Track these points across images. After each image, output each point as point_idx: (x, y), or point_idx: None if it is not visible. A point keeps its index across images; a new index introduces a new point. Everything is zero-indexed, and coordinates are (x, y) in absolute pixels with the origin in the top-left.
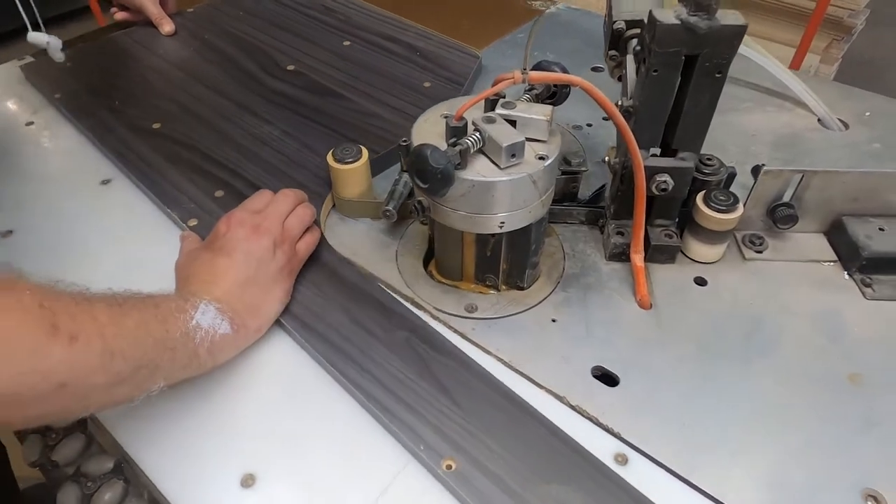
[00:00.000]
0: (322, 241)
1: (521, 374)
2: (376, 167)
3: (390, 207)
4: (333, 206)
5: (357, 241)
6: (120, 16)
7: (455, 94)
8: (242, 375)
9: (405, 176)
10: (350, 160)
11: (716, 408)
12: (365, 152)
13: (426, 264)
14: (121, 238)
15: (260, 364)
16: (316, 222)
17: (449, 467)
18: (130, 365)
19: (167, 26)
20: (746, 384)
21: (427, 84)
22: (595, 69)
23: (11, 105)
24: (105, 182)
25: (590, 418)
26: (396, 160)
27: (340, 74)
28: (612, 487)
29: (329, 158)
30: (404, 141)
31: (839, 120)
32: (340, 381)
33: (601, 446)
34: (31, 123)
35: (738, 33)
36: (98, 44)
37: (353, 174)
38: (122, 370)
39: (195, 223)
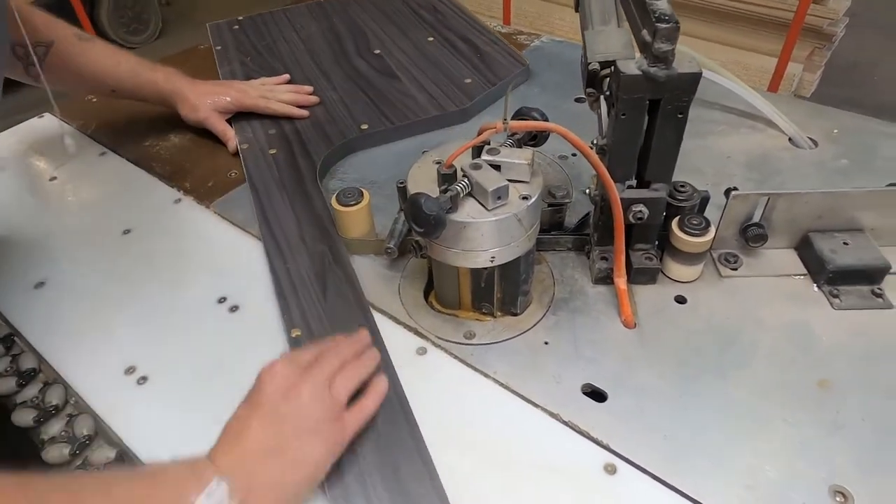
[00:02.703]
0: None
1: (518, 394)
2: (386, 137)
3: (391, 245)
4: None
5: (362, 277)
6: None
7: (486, 89)
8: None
9: (403, 214)
10: (353, 203)
11: (695, 418)
12: (366, 195)
13: (427, 295)
14: (140, 286)
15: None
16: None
17: (296, 336)
18: None
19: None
20: (723, 395)
21: (468, 80)
22: (578, 100)
23: (36, 162)
24: (126, 232)
25: (581, 432)
26: (407, 135)
27: (408, 62)
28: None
29: (333, 202)
30: (401, 183)
31: (809, 138)
32: (268, 261)
33: (592, 458)
34: (55, 179)
35: (694, 80)
36: (263, 17)
37: (355, 216)
38: None
39: (245, 146)
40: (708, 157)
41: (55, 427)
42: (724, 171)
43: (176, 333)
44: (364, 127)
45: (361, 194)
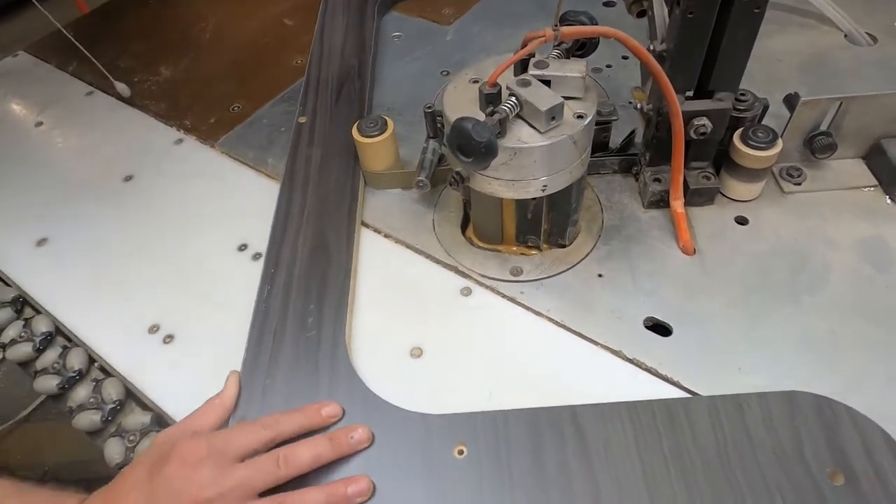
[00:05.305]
0: None
1: (575, 332)
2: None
3: (423, 178)
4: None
5: (392, 214)
6: None
7: None
8: None
9: (432, 143)
10: (376, 133)
11: (772, 348)
12: (390, 123)
13: (464, 229)
14: (152, 237)
15: None
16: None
17: (301, 122)
18: None
19: None
20: (800, 322)
21: None
22: (607, 4)
23: (16, 107)
24: (127, 179)
25: (648, 370)
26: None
27: None
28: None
29: (354, 132)
30: (429, 107)
31: (867, 34)
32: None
33: (662, 397)
34: (41, 124)
35: None
36: None
37: (379, 147)
38: None
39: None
40: (756, 60)
41: (82, 393)
42: (776, 76)
43: (197, 286)
44: None
45: (385, 123)
